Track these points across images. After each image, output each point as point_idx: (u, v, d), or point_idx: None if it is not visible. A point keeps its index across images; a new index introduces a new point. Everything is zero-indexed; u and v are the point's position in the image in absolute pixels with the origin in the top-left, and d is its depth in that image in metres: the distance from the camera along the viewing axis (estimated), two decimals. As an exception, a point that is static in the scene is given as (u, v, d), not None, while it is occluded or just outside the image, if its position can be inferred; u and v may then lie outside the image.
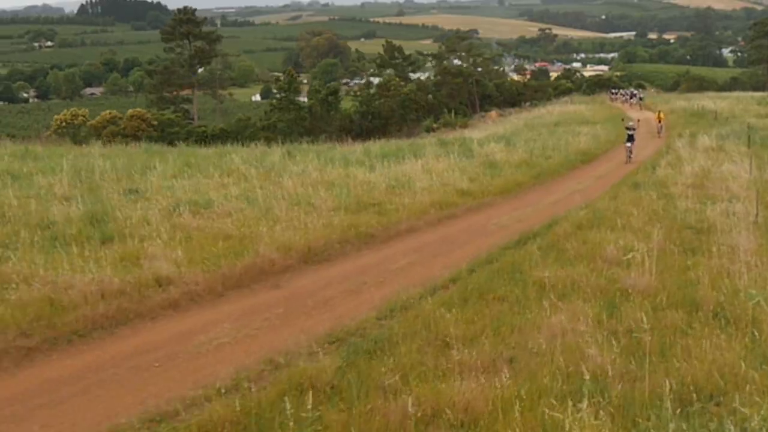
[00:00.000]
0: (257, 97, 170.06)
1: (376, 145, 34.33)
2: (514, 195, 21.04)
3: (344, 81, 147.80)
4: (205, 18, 79.13)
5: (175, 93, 70.57)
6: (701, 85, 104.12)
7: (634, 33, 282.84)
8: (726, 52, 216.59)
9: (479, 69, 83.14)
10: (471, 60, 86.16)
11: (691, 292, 11.44)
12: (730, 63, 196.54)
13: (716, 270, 12.75)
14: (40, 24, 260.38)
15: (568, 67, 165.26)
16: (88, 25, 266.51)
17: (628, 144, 30.50)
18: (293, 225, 14.02)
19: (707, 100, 63.32)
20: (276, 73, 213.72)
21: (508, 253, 13.60)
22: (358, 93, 71.98)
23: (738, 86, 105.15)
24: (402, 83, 70.38)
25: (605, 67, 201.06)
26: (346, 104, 70.27)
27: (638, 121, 39.41)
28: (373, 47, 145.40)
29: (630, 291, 11.55)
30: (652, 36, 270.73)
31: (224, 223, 13.91)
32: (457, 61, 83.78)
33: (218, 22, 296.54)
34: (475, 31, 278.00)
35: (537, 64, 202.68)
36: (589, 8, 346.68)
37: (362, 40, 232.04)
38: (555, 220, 16.70)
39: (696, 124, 44.21)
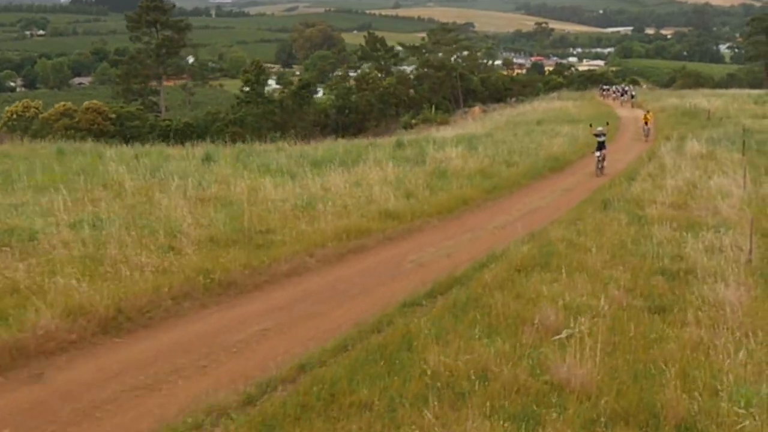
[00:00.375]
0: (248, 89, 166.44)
1: (335, 145, 30.61)
2: (456, 216, 17.15)
3: (337, 73, 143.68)
4: (174, 5, 74.73)
5: (143, 84, 66.44)
6: (697, 82, 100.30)
7: (631, 28, 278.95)
8: (723, 48, 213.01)
9: (462, 62, 78.84)
10: (458, 53, 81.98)
11: (649, 395, 7.69)
12: (727, 59, 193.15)
13: (691, 348, 8.96)
14: (33, 12, 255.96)
15: (561, 61, 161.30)
16: (82, 14, 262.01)
17: (598, 153, 25.39)
18: (116, 271, 10.15)
19: (701, 98, 59.35)
20: (268, 64, 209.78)
21: (406, 316, 9.75)
22: (334, 86, 67.95)
23: (734, 83, 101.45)
24: (381, 76, 66.35)
25: (601, 62, 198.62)
26: (323, 98, 66.34)
27: (615, 125, 35.61)
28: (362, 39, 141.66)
29: (563, 388, 7.81)
30: (650, 31, 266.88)
31: (18, 268, 10.01)
32: (443, 55, 79.41)
33: (213, 12, 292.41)
34: (471, 24, 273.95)
35: (532, 58, 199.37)
36: (587, 3, 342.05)
37: (354, 32, 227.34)
38: (492, 255, 12.86)
39: (687, 125, 40.29)
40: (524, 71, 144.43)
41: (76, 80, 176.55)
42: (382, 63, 75.47)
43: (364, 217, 14.81)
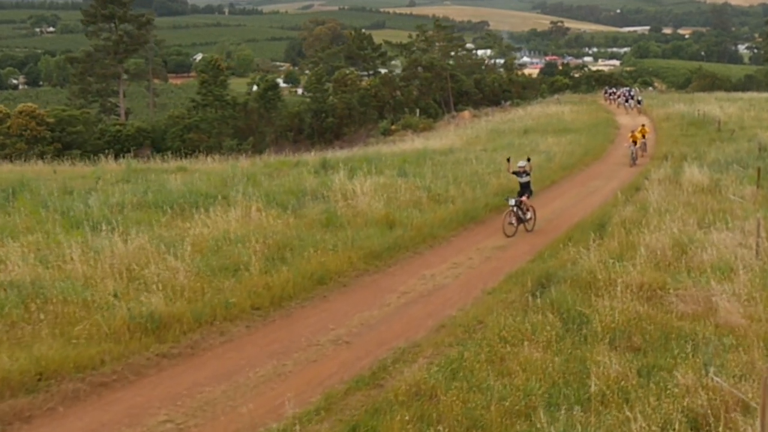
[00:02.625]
0: (255, 87, 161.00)
1: (234, 166, 24.18)
2: (285, 313, 10.60)
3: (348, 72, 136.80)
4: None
5: (104, 85, 60.09)
6: (713, 83, 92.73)
7: (648, 28, 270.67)
8: (742, 48, 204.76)
9: (450, 62, 71.67)
10: (454, 52, 74.94)
11: None
12: (746, 60, 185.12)
13: None
14: (45, 9, 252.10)
15: (577, 61, 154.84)
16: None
17: (512, 204, 16.41)
18: None
19: (714, 103, 52.17)
20: (277, 63, 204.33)
21: None
22: (309, 87, 61.36)
23: (753, 85, 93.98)
24: (369, 75, 59.68)
25: (617, 62, 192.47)
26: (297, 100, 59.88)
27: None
28: (379, 38, 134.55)
29: None
30: (667, 31, 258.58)
31: None
32: (435, 54, 72.01)
33: (226, 10, 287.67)
34: (486, 23, 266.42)
35: (547, 58, 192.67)
36: (604, 2, 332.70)
37: (363, 30, 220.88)
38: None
39: (693, 138, 33.43)
40: (537, 71, 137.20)
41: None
42: (370, 63, 68.70)
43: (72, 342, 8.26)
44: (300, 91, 76.59)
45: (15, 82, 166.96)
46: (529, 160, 17.88)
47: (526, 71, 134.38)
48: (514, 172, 17.33)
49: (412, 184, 19.09)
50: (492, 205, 17.96)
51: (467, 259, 13.83)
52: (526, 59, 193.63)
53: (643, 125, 31.34)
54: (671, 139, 33.96)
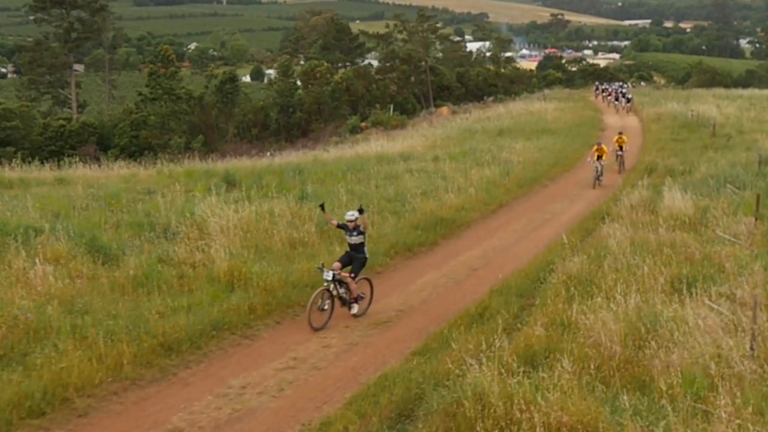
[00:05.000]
0: (247, 78, 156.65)
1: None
2: None
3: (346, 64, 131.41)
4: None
5: (58, 76, 55.33)
6: (713, 79, 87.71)
7: (649, 21, 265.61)
8: (744, 43, 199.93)
9: (439, 55, 66.58)
10: (441, 44, 69.83)
11: None
12: (748, 54, 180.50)
13: None
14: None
15: (565, 54, 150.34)
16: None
17: (328, 279, 10.37)
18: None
19: (711, 101, 47.25)
20: (271, 53, 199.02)
21: None
22: (274, 81, 56.53)
23: (754, 80, 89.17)
24: (334, 69, 54.83)
25: (617, 56, 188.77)
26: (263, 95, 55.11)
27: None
28: (377, 28, 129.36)
29: None
30: (668, 24, 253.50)
31: None
32: (414, 45, 66.43)
33: (224, 0, 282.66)
34: (486, 15, 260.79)
35: (547, 51, 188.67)
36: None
37: (357, 21, 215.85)
38: None
39: (683, 144, 28.65)
40: (536, 64, 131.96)
41: (75, 67, 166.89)
42: (347, 54, 63.74)
43: None
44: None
45: (4, 70, 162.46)
46: (361, 211, 10.99)
47: (525, 64, 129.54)
48: (339, 226, 11.06)
49: (301, 214, 14.43)
50: (409, 244, 13.27)
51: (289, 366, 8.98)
52: (525, 52, 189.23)
53: (620, 134, 25.71)
54: (659, 144, 29.17)
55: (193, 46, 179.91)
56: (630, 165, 24.86)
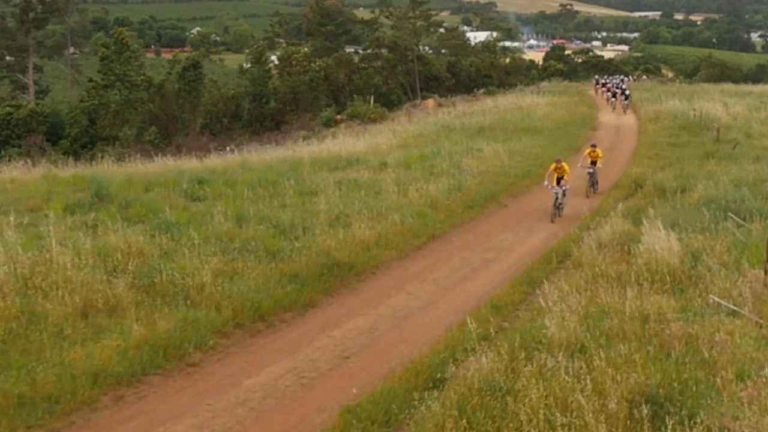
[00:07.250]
0: (248, 64, 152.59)
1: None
2: None
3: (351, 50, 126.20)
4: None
5: (19, 59, 51.23)
6: (722, 73, 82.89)
7: (660, 13, 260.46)
8: (755, 36, 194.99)
9: (422, 43, 61.78)
10: (435, 32, 65.10)
11: None
12: (759, 48, 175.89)
13: None
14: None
15: (573, 45, 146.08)
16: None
17: None
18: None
19: (718, 98, 42.55)
20: (278, 39, 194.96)
21: None
22: (248, 69, 52.24)
23: (765, 75, 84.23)
24: (310, 57, 50.40)
25: (626, 47, 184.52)
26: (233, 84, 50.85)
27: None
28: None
29: None
30: (679, 17, 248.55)
31: None
32: (403, 32, 61.44)
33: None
34: (494, 4, 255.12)
35: (555, 41, 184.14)
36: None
37: (360, 9, 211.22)
38: None
39: (681, 151, 24.25)
40: (543, 54, 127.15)
41: (72, 50, 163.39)
42: (331, 39, 59.24)
43: None
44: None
45: None
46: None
47: (532, 54, 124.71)
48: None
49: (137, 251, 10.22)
50: (226, 328, 8.99)
51: None
52: (532, 42, 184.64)
53: (593, 146, 20.00)
54: (653, 150, 24.71)
55: (195, 31, 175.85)
56: (614, 177, 20.44)
